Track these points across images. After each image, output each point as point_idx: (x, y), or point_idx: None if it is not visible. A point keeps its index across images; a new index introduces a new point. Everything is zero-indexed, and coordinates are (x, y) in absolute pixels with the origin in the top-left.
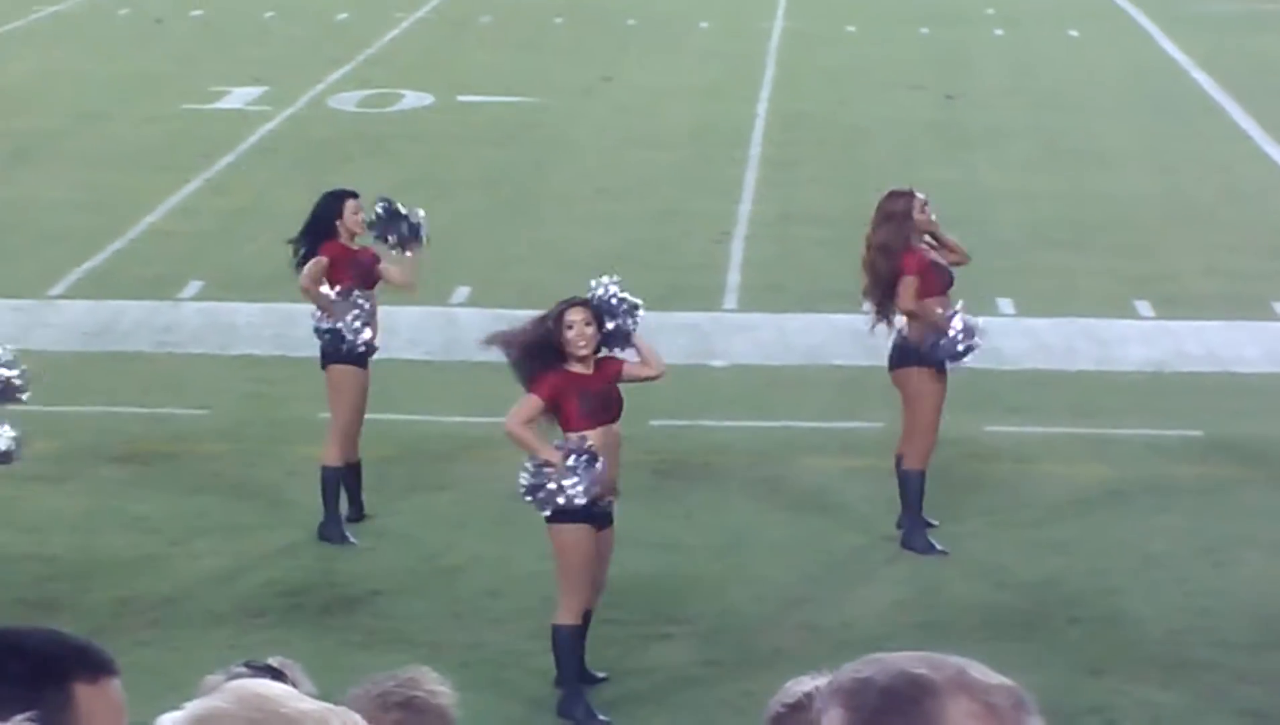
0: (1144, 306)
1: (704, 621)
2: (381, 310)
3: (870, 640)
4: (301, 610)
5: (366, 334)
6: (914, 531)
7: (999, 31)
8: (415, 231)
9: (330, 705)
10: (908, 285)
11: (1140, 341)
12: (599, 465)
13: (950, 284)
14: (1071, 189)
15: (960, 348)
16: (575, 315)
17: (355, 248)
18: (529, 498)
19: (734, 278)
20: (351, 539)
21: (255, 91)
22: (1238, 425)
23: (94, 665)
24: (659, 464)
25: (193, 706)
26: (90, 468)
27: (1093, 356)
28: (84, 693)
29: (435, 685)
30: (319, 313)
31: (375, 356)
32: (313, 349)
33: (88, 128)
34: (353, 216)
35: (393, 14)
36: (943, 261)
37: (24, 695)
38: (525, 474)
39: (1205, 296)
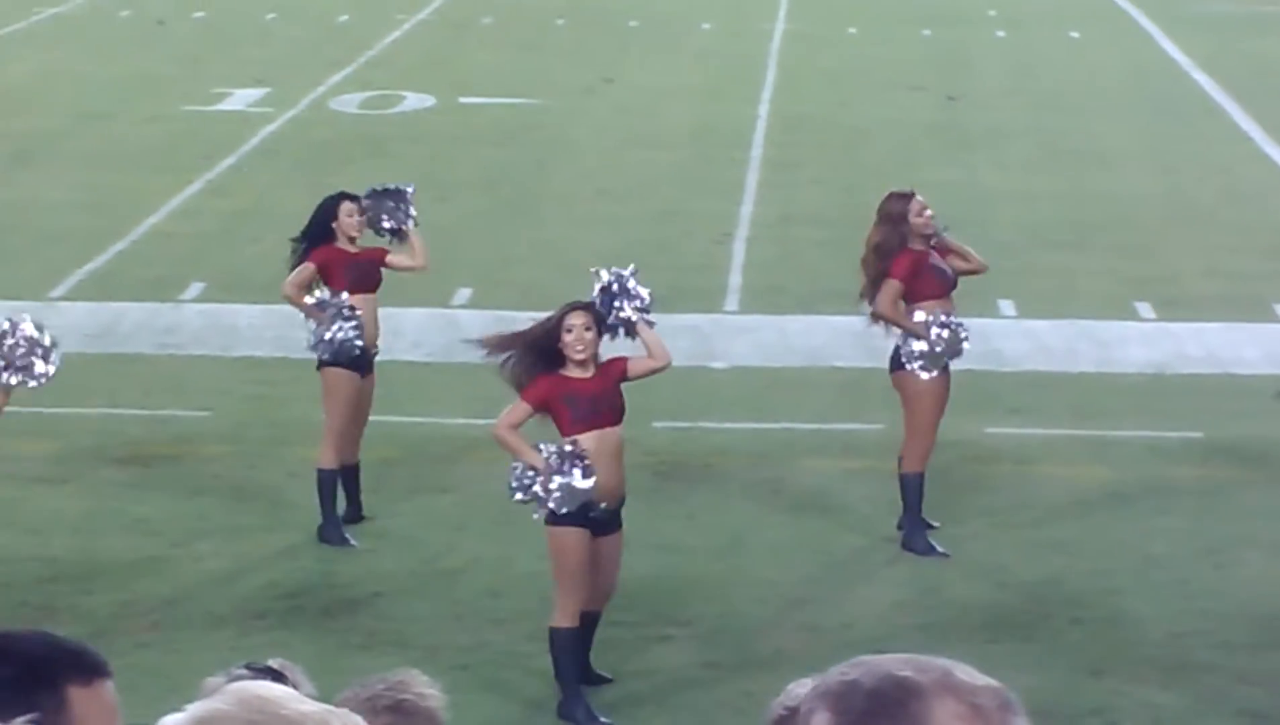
0: (1144, 308)
1: (705, 623)
2: (384, 312)
3: (871, 641)
4: (302, 612)
5: (346, 336)
6: (914, 533)
7: (1000, 33)
8: (401, 199)
9: (330, 707)
10: (888, 288)
11: (1141, 343)
12: (581, 472)
13: (952, 287)
14: (1072, 190)
15: (942, 359)
16: (576, 319)
17: (354, 251)
18: (518, 498)
19: (735, 279)
20: (352, 541)
21: (257, 93)
22: (1238, 427)
23: (87, 668)
24: (660, 466)
25: (194, 708)
26: (91, 469)
27: (1093, 358)
28: (77, 695)
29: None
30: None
31: (377, 358)
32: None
33: (89, 129)
34: (347, 219)
35: (394, 16)
36: (945, 266)
37: (17, 698)
38: (513, 477)
39: (1206, 298)
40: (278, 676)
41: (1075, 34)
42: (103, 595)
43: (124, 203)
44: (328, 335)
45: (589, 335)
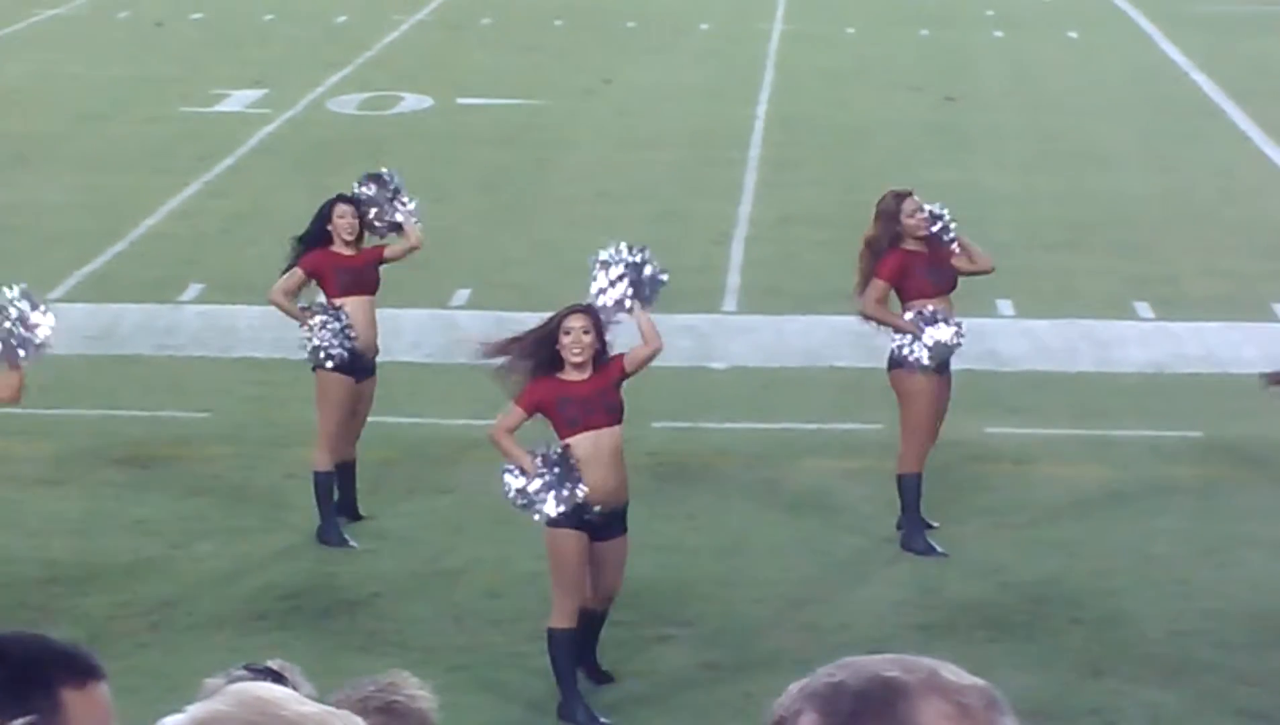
0: (1143, 307)
1: (704, 623)
2: (383, 313)
3: (870, 641)
4: (302, 613)
5: (324, 341)
6: (913, 533)
7: (998, 33)
8: (390, 188)
9: (330, 708)
10: (872, 287)
11: (1140, 343)
12: (569, 475)
13: (948, 288)
14: (1071, 190)
15: (932, 363)
16: (575, 322)
17: (349, 254)
18: (515, 502)
19: (734, 280)
20: (351, 542)
21: (255, 94)
22: (1237, 426)
23: (81, 670)
24: (659, 466)
25: (193, 710)
26: (91, 471)
27: (1092, 358)
28: (71, 698)
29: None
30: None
31: (376, 359)
32: None
33: (87, 130)
34: (340, 220)
35: (392, 16)
36: (942, 267)
37: (11, 702)
38: (507, 480)
39: (1205, 298)
40: (277, 677)
41: (1074, 34)
42: (102, 596)
43: (122, 204)
44: (313, 341)
45: (587, 338)
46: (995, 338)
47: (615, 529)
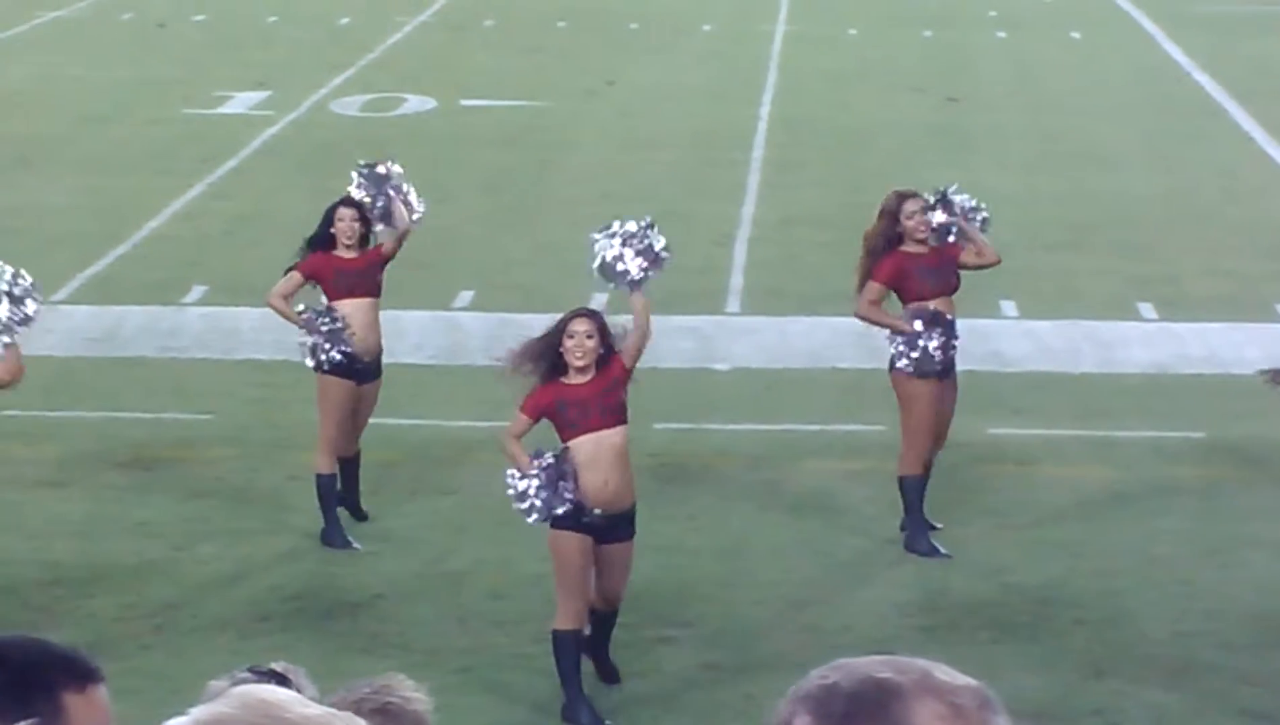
0: (1146, 308)
1: (706, 624)
2: (385, 315)
3: (873, 643)
4: (305, 615)
5: (315, 344)
6: (916, 534)
7: (1001, 34)
8: (386, 181)
9: (334, 711)
10: (868, 290)
11: (1142, 343)
12: (564, 478)
13: (950, 290)
14: (1073, 191)
15: (937, 367)
16: (578, 326)
17: (349, 257)
18: (512, 501)
19: (736, 281)
20: (355, 544)
21: (258, 96)
22: (1240, 427)
23: (81, 673)
24: (661, 467)
25: (197, 712)
26: (93, 473)
27: (1095, 358)
28: (73, 701)
29: (410, 691)
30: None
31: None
32: None
33: (90, 132)
34: (340, 223)
35: (395, 18)
36: (944, 269)
37: (13, 706)
38: (508, 481)
39: (1207, 298)
40: (281, 680)
41: (1076, 35)
42: (105, 599)
43: (125, 206)
44: (306, 342)
45: (590, 343)
46: (998, 339)
47: (620, 533)
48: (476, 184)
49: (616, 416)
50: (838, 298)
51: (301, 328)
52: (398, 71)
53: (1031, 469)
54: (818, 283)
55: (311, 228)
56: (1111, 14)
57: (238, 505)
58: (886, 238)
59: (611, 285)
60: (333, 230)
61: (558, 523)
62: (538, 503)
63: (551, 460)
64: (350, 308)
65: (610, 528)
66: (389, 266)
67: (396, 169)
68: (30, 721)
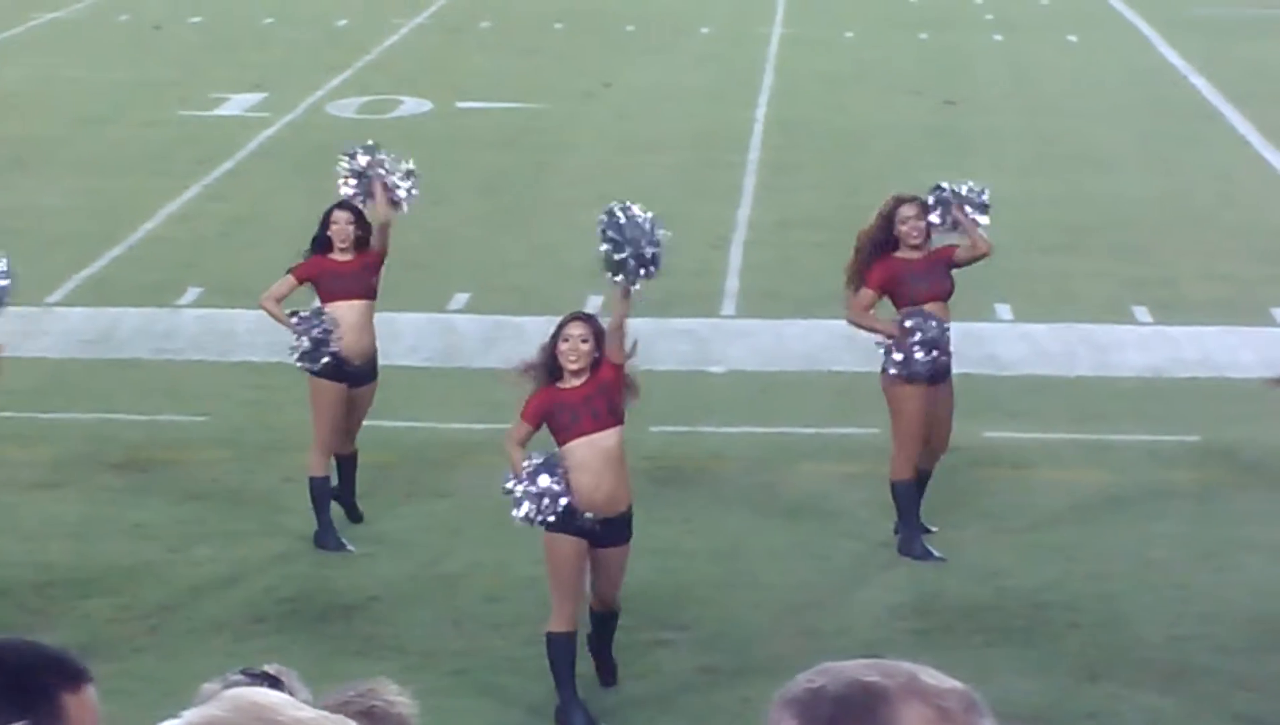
0: (1142, 312)
1: (702, 628)
2: (381, 317)
3: (868, 646)
4: (299, 617)
5: (301, 346)
6: (911, 538)
7: (998, 37)
8: (358, 172)
9: (327, 714)
10: (861, 296)
11: (1138, 347)
12: (550, 482)
13: (944, 295)
14: (1069, 193)
15: (925, 370)
16: (574, 329)
17: (342, 260)
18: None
19: (732, 283)
20: (349, 546)
21: (254, 98)
22: (1235, 430)
23: (73, 674)
24: (657, 470)
25: (190, 714)
26: (88, 475)
27: (1091, 362)
28: (69, 702)
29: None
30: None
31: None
32: None
33: (86, 134)
34: (335, 226)
35: (392, 20)
36: (937, 274)
37: (11, 708)
38: (505, 486)
39: (1203, 302)
40: (274, 682)
41: (1073, 38)
42: (99, 600)
43: (121, 207)
44: (291, 343)
45: (585, 347)
46: (994, 342)
47: (615, 537)
48: (473, 186)
49: (609, 419)
50: (834, 300)
51: (291, 330)
52: (394, 73)
53: (1027, 472)
54: (814, 285)
55: (307, 230)
56: (1108, 17)
57: (232, 507)
58: (878, 241)
59: (609, 273)
60: (329, 233)
61: (552, 526)
62: (528, 505)
63: (540, 462)
64: (344, 310)
65: (606, 532)
66: (386, 268)
67: (380, 155)
68: (25, 723)
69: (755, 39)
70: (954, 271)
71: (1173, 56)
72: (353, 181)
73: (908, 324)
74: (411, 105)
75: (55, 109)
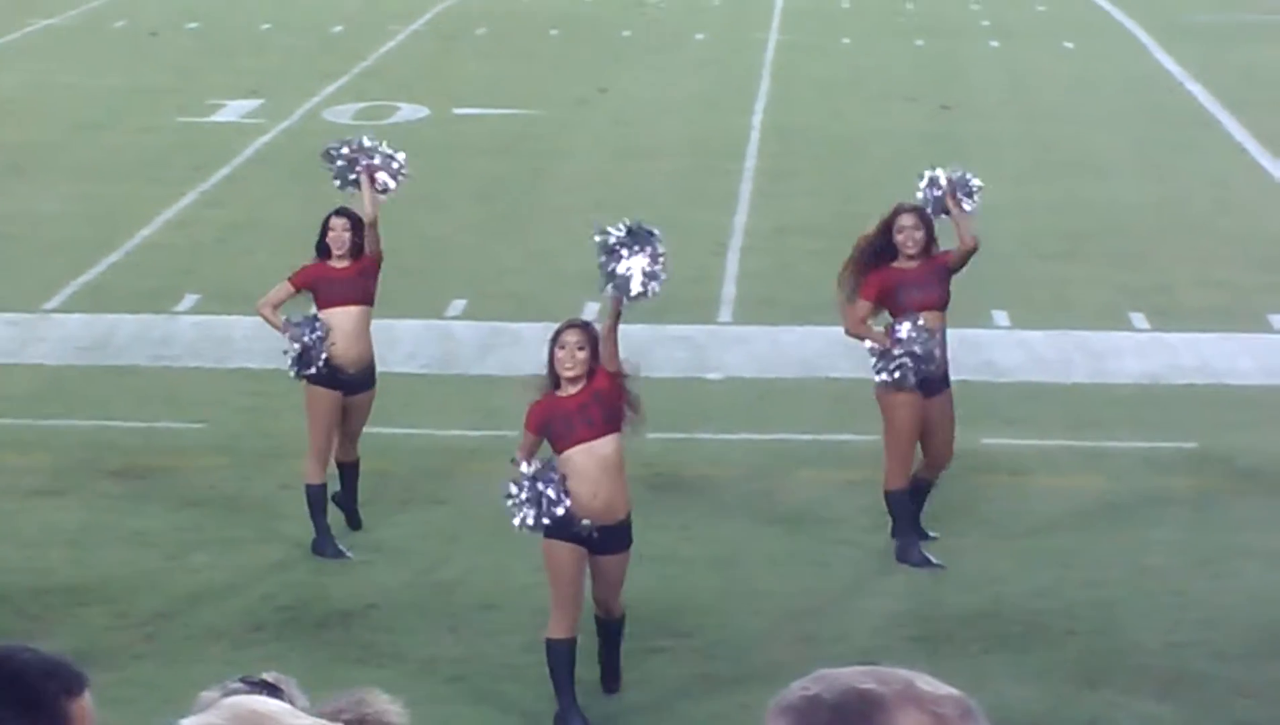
0: (1139, 318)
1: (700, 635)
2: (378, 323)
3: (866, 653)
4: (298, 624)
5: (292, 351)
6: (908, 546)
7: (994, 43)
8: (342, 171)
9: (324, 722)
10: (857, 307)
11: (1135, 353)
12: (548, 490)
13: (939, 304)
14: (1066, 200)
15: (912, 378)
16: (569, 337)
17: (339, 266)
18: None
19: (729, 290)
20: (347, 553)
21: (251, 104)
22: (1232, 437)
23: (73, 679)
24: (654, 477)
25: (189, 722)
26: (86, 482)
27: (1087, 369)
28: (69, 707)
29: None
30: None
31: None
32: None
33: (83, 140)
34: (332, 233)
35: (388, 26)
36: (931, 284)
37: (11, 714)
38: (504, 493)
39: (1200, 308)
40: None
41: (1069, 44)
42: (97, 607)
43: (118, 214)
44: (286, 351)
45: (580, 354)
46: (991, 349)
47: (614, 544)
48: (469, 192)
49: (605, 427)
50: (831, 307)
51: (283, 334)
52: (390, 80)
53: (1024, 479)
54: (810, 292)
55: (304, 236)
56: (1104, 23)
57: (230, 514)
58: (876, 247)
59: (608, 286)
60: (326, 240)
61: (550, 532)
62: (520, 511)
63: (537, 470)
64: (340, 316)
65: (604, 540)
66: (382, 275)
67: (366, 141)
68: None
69: (751, 45)
70: (952, 276)
71: (1169, 63)
72: (340, 164)
73: (900, 336)
74: (408, 111)
75: (52, 115)
